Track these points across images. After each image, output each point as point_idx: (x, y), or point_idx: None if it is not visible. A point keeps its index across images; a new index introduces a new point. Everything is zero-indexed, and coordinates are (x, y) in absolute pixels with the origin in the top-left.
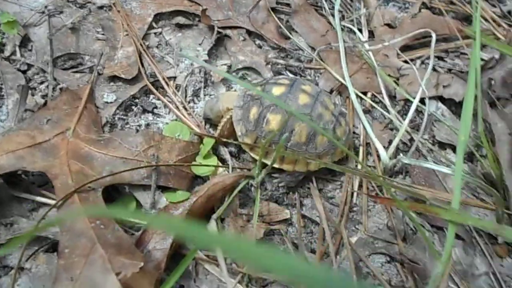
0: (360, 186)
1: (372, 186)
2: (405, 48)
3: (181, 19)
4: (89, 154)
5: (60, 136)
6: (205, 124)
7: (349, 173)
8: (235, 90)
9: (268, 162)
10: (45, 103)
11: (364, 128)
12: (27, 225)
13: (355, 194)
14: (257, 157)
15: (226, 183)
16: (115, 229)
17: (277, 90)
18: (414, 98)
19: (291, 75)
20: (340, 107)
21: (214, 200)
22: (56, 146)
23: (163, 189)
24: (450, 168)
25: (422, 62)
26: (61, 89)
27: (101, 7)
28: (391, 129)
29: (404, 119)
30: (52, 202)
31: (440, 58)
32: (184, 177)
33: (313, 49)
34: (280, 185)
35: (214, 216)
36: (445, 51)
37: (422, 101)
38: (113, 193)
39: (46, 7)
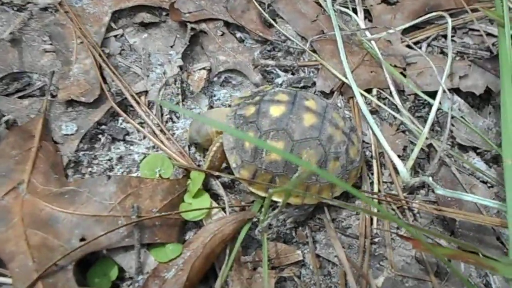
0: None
1: (392, 209)
2: (406, 30)
3: (145, 16)
4: (52, 216)
5: (12, 194)
6: (189, 149)
7: (367, 213)
8: (222, 104)
9: (271, 197)
10: None
11: (375, 135)
12: None
13: (374, 221)
14: (258, 192)
15: (226, 232)
16: None
17: (275, 111)
18: (425, 92)
19: (282, 74)
20: (349, 121)
21: (213, 256)
22: (7, 210)
23: (149, 245)
24: (498, 203)
25: (428, 45)
26: (7, 122)
27: (44, 9)
28: (403, 131)
29: (414, 116)
30: (9, 281)
31: (447, 37)
32: (173, 226)
33: (304, 38)
34: (288, 221)
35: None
36: (452, 29)
37: (431, 95)
38: (88, 257)
39: None
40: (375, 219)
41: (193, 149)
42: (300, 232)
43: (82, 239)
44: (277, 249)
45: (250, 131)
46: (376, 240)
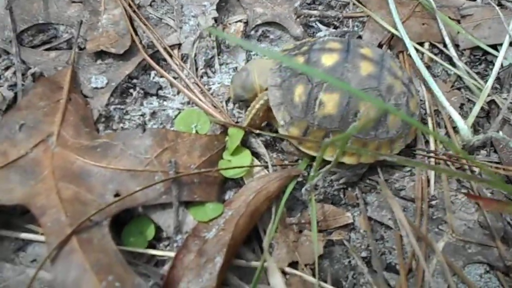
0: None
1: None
2: None
3: None
4: (84, 169)
5: (41, 146)
6: (227, 104)
7: (433, 170)
8: (262, 56)
9: (325, 150)
10: (14, 99)
11: (429, 91)
12: (12, 273)
13: (431, 182)
14: (308, 152)
15: (271, 190)
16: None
17: (328, 59)
18: (487, 46)
19: (323, 28)
20: (406, 71)
21: (258, 215)
22: (37, 163)
23: (187, 203)
24: None
25: None
26: (33, 75)
27: None
28: (459, 88)
29: (471, 73)
30: (42, 238)
31: None
32: (212, 184)
33: None
34: (340, 181)
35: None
36: None
37: (492, 48)
38: (122, 215)
39: None
40: (432, 180)
41: (230, 105)
42: (350, 193)
43: (117, 195)
44: (324, 211)
45: (299, 84)
46: (433, 203)
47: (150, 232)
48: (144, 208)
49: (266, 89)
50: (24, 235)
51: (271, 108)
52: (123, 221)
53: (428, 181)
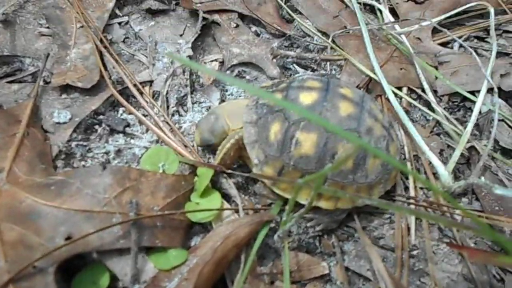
0: (417, 219)
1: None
2: (434, 30)
3: (152, 3)
4: (34, 209)
5: None
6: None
7: (417, 216)
8: (237, 97)
9: (297, 192)
10: None
11: (408, 136)
12: None
13: (412, 231)
14: (283, 194)
15: (240, 236)
16: None
17: (307, 97)
18: (465, 92)
19: (300, 70)
20: (386, 114)
21: (225, 263)
22: None
23: (148, 249)
24: None
25: (461, 46)
26: None
27: None
28: (438, 134)
29: (450, 118)
30: None
31: (480, 39)
32: (177, 229)
33: (325, 34)
34: (317, 228)
35: None
36: (484, 30)
37: (470, 94)
38: (74, 261)
39: None
40: (412, 228)
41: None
42: (326, 241)
43: (68, 238)
44: (299, 260)
45: (276, 122)
46: (414, 253)
47: (104, 281)
48: (99, 254)
49: (238, 129)
50: None
51: (245, 146)
52: (75, 269)
53: (409, 229)
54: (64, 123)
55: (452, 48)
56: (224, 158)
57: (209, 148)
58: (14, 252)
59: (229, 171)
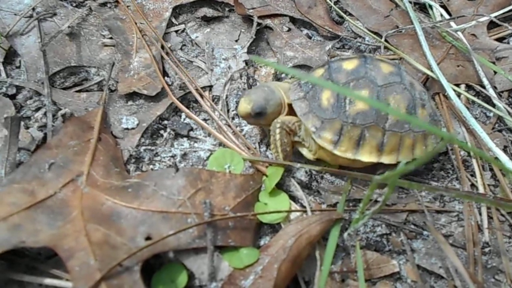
0: (489, 216)
1: (502, 215)
2: (489, 25)
3: (207, 11)
4: (114, 211)
5: (70, 186)
6: (260, 146)
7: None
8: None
9: (369, 197)
10: (44, 139)
11: (471, 133)
12: None
13: (484, 227)
14: (345, 155)
15: (312, 234)
16: None
17: (349, 65)
18: None
19: None
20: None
21: (300, 262)
22: (66, 203)
23: (221, 248)
24: None
25: None
26: (63, 116)
27: (103, 4)
28: (500, 130)
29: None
30: (68, 284)
31: None
32: (248, 229)
33: (376, 34)
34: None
35: None
36: None
37: None
38: (152, 260)
39: (33, 9)
40: (485, 224)
41: (263, 147)
42: (394, 239)
43: (148, 238)
44: (367, 258)
45: (325, 90)
46: (486, 250)
47: (182, 280)
48: (176, 253)
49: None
50: (49, 281)
51: (299, 120)
52: (153, 267)
53: (478, 226)
54: (132, 128)
55: (508, 43)
56: (283, 148)
57: (257, 119)
58: (102, 252)
59: (299, 164)
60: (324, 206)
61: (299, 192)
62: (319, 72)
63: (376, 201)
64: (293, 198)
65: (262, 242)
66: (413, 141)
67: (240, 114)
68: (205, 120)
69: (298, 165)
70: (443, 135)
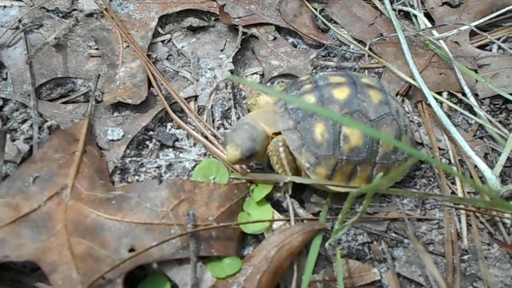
0: (468, 224)
1: (481, 222)
2: (472, 32)
3: (193, 21)
4: (98, 223)
5: (55, 199)
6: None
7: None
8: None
9: (347, 208)
10: (30, 151)
11: (452, 141)
12: None
13: (463, 235)
14: (338, 189)
15: (294, 245)
16: None
17: (340, 93)
18: (507, 94)
19: None
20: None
21: (281, 272)
22: (50, 216)
23: (204, 259)
24: None
25: (499, 47)
26: (50, 128)
27: (90, 15)
28: (481, 138)
29: (493, 121)
30: None
31: None
32: (231, 238)
33: (361, 42)
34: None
35: None
36: None
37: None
38: (136, 272)
39: (20, 21)
40: (464, 232)
41: None
42: (375, 247)
43: (131, 250)
44: (349, 267)
45: (319, 123)
46: (465, 257)
47: None
48: (159, 264)
49: (276, 134)
50: None
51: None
52: (137, 279)
53: (458, 234)
54: (118, 140)
55: (491, 50)
56: (290, 166)
57: (249, 160)
58: (84, 264)
59: (288, 178)
60: (307, 215)
61: (288, 201)
62: (309, 100)
63: (357, 212)
64: (276, 206)
65: (245, 252)
66: (397, 168)
67: (230, 162)
68: (191, 129)
69: (288, 178)
70: (412, 152)
